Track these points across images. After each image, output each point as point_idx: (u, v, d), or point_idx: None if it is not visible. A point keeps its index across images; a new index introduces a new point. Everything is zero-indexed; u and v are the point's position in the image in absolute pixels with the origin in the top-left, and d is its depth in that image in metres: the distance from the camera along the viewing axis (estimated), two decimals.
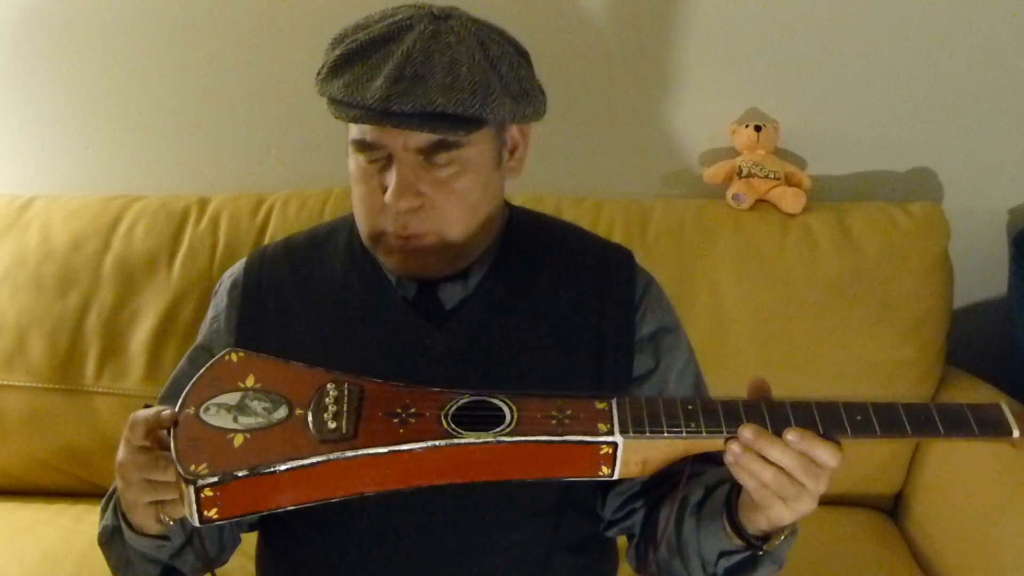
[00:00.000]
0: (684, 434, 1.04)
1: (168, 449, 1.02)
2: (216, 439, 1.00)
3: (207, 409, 1.04)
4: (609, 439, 1.03)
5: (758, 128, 2.08)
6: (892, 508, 2.04)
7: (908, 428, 1.07)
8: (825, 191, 2.15)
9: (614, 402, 1.06)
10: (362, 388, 1.07)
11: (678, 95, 2.14)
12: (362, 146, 1.20)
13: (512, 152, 1.29)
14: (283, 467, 0.97)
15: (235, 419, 1.03)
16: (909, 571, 1.83)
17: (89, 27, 2.14)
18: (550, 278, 1.32)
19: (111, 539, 1.26)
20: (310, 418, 1.03)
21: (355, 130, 1.20)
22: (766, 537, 1.13)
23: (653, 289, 1.36)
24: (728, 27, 2.09)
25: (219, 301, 1.38)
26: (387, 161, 1.19)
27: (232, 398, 1.05)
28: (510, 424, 1.04)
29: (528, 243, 1.35)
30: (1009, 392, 1.96)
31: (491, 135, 1.23)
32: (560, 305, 1.31)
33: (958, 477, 1.87)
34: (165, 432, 1.05)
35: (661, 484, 1.28)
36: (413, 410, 1.04)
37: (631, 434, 1.03)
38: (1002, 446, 1.80)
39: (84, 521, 1.93)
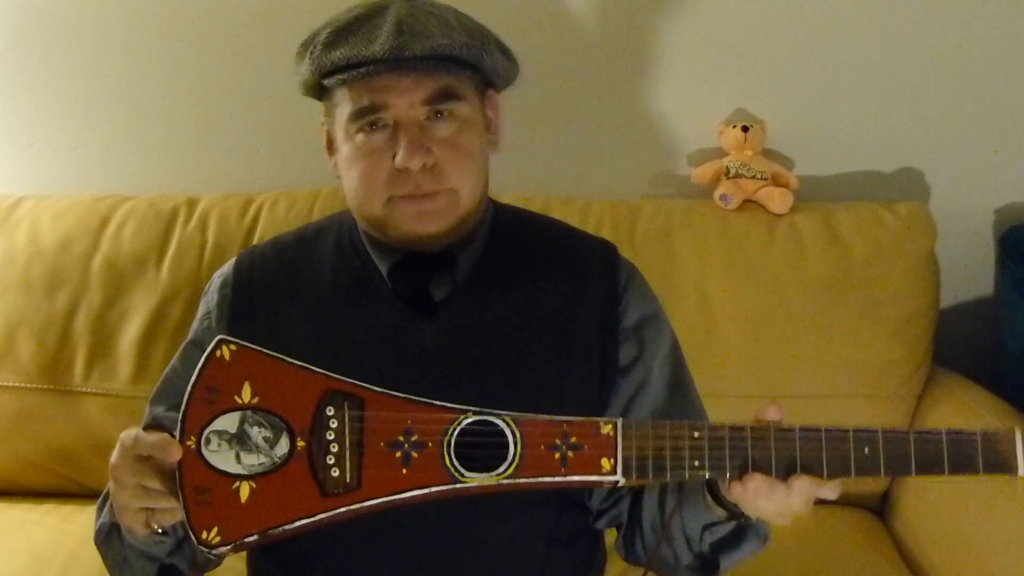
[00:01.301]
0: (687, 475, 1.05)
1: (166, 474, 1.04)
2: (223, 492, 1.02)
3: (208, 441, 1.04)
4: (611, 478, 1.04)
5: (745, 129, 2.09)
6: (879, 507, 2.04)
7: (913, 469, 1.07)
8: (812, 191, 2.16)
9: (619, 428, 1.06)
10: (362, 409, 1.07)
11: (666, 96, 2.14)
12: (364, 112, 1.22)
13: (489, 126, 1.33)
14: (291, 526, 1.00)
15: (238, 458, 1.03)
16: (896, 570, 1.83)
17: (78, 27, 2.14)
18: (536, 271, 1.34)
19: (108, 537, 1.27)
20: (312, 459, 1.04)
21: (355, 100, 1.22)
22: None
23: (636, 279, 1.38)
24: (716, 28, 2.09)
25: (209, 299, 1.38)
26: (391, 129, 1.22)
27: (231, 423, 1.05)
28: (512, 462, 1.04)
29: (513, 237, 1.37)
30: (996, 391, 1.97)
31: (478, 99, 1.28)
32: (546, 297, 1.32)
33: (945, 476, 1.88)
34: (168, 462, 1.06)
35: None
36: (415, 438, 1.05)
37: (634, 477, 1.04)
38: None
39: (73, 521, 1.93)
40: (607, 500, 1.36)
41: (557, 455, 1.04)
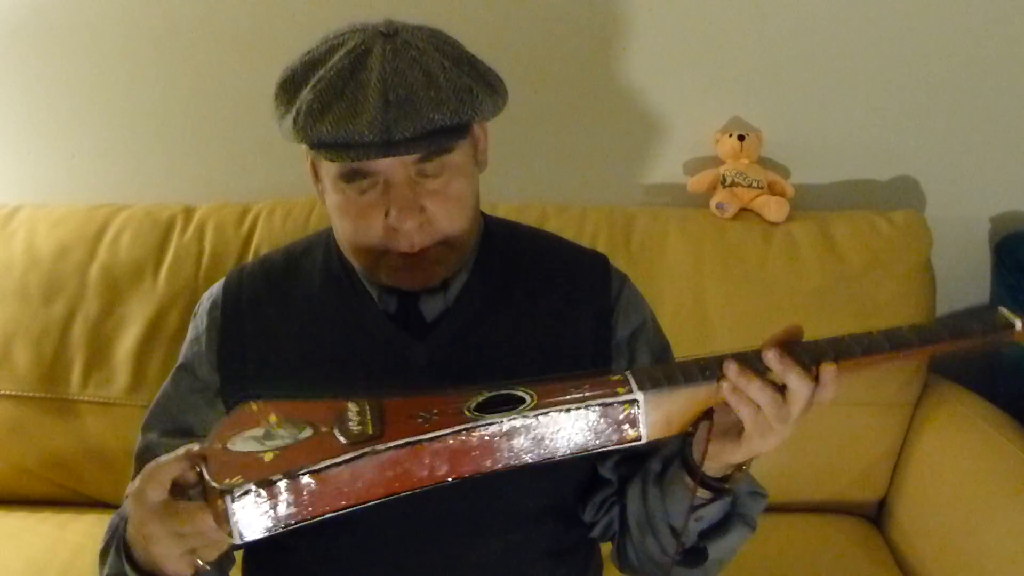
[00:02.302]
0: (701, 380, 1.05)
1: (185, 496, 1.01)
2: (246, 458, 1.00)
3: (234, 443, 1.03)
4: (629, 397, 1.03)
5: (741, 137, 2.09)
6: (875, 515, 2.04)
7: (915, 341, 1.09)
8: (808, 200, 2.16)
9: (627, 372, 1.07)
10: (381, 401, 1.07)
11: (662, 105, 2.15)
12: (353, 176, 1.19)
13: (477, 146, 1.29)
14: (316, 467, 0.96)
15: (262, 443, 1.02)
16: None
17: (74, 35, 2.14)
18: (527, 286, 1.33)
19: None
20: (336, 431, 1.03)
21: (341, 165, 1.19)
22: (725, 479, 1.16)
23: (627, 290, 1.37)
24: (711, 37, 2.10)
25: (199, 323, 1.37)
26: (381, 186, 1.19)
27: (257, 431, 1.04)
28: (531, 404, 1.04)
29: (504, 252, 1.36)
30: (992, 400, 1.97)
31: (467, 139, 1.23)
32: (537, 313, 1.32)
33: (941, 484, 1.88)
34: (189, 473, 1.02)
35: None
36: (435, 411, 1.04)
37: (650, 389, 1.04)
38: (985, 454, 1.82)
39: (68, 529, 1.93)
40: (600, 509, 1.36)
41: (575, 393, 1.05)
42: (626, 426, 1.04)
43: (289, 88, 1.21)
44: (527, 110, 1.97)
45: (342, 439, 1.00)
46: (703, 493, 1.16)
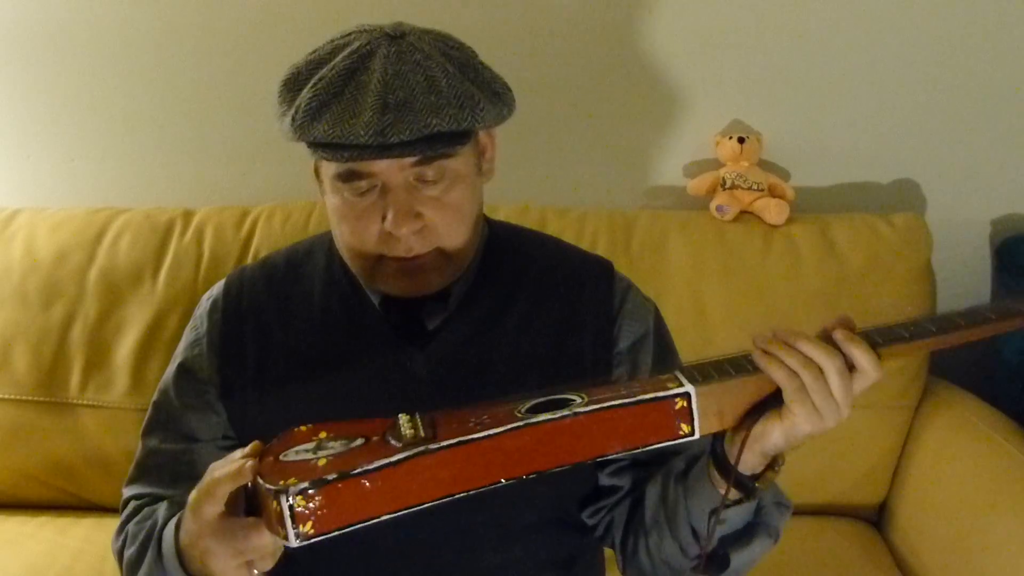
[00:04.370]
0: (751, 371, 1.05)
1: (238, 512, 1.02)
2: (299, 464, 0.99)
3: (286, 455, 1.02)
4: (681, 391, 1.03)
5: (742, 140, 2.09)
6: (876, 518, 2.04)
7: (962, 324, 1.08)
8: (808, 203, 2.16)
9: (675, 371, 1.07)
10: (432, 412, 1.05)
11: (662, 107, 2.15)
12: (350, 177, 1.18)
13: (483, 154, 1.28)
14: (371, 467, 0.95)
15: (315, 453, 1.01)
16: None
17: (73, 39, 2.14)
18: (529, 294, 1.32)
19: None
20: (388, 436, 1.02)
21: (339, 166, 1.18)
22: (755, 479, 1.13)
23: (630, 299, 1.36)
24: (712, 40, 2.10)
25: (199, 324, 1.36)
26: (378, 190, 1.18)
27: (308, 445, 1.03)
28: (582, 403, 1.03)
29: (507, 259, 1.35)
30: (992, 402, 1.97)
31: (472, 144, 1.22)
32: (539, 321, 1.30)
33: (942, 487, 1.88)
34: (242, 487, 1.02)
35: (644, 481, 1.29)
36: (486, 416, 1.03)
37: (700, 382, 1.04)
38: (985, 456, 1.81)
39: (68, 534, 1.93)
40: (598, 514, 1.35)
41: (624, 391, 1.04)
42: (679, 420, 1.04)
43: (292, 87, 1.20)
44: (528, 112, 1.95)
45: (395, 443, 1.00)
46: (733, 494, 1.13)
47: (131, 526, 1.26)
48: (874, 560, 1.90)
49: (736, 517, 1.17)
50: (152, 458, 1.33)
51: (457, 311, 1.29)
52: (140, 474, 1.34)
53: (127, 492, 1.34)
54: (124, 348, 1.99)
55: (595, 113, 2.16)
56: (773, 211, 2.05)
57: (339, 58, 1.17)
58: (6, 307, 2.01)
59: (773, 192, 2.11)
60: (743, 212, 2.09)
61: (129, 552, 1.24)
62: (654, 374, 1.10)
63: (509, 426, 1.00)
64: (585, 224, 2.05)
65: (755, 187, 2.08)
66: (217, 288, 1.38)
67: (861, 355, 1.03)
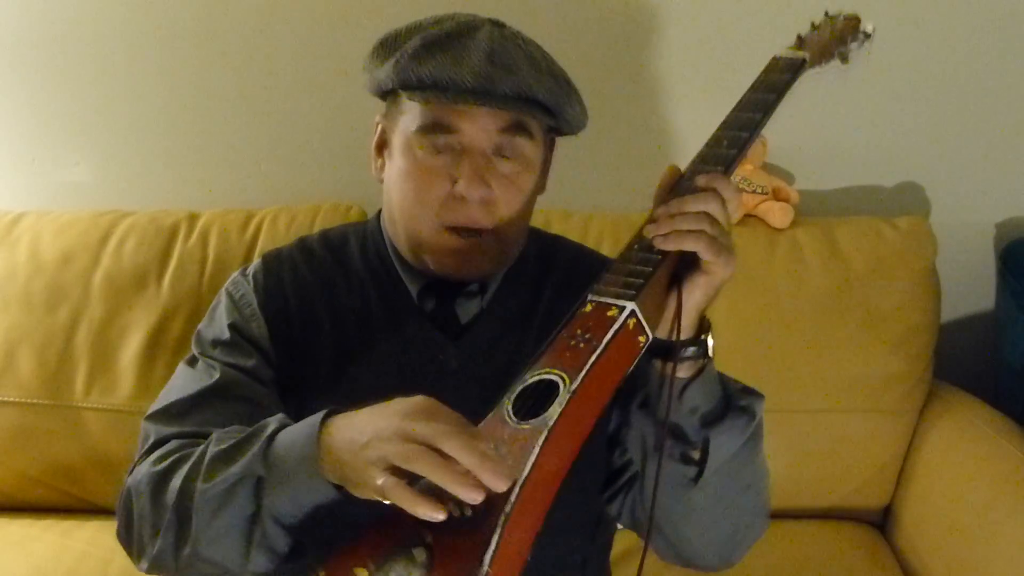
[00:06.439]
0: (660, 257, 1.09)
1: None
2: None
3: None
4: (627, 312, 1.06)
5: None
6: (881, 522, 2.04)
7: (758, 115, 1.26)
8: (813, 206, 2.16)
9: (599, 295, 1.10)
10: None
11: (666, 109, 2.15)
12: (434, 128, 1.20)
13: (545, 169, 1.33)
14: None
15: None
16: None
17: (79, 42, 2.15)
18: (554, 293, 1.35)
19: (235, 488, 1.07)
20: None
21: (427, 115, 1.20)
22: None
23: None
24: (715, 42, 2.10)
25: (236, 289, 1.33)
26: (455, 153, 1.21)
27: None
28: (566, 381, 1.04)
29: (532, 260, 1.38)
30: (996, 405, 1.97)
31: (543, 142, 1.28)
32: (562, 319, 1.31)
33: (947, 490, 1.88)
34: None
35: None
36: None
37: (635, 295, 1.07)
38: (990, 459, 1.81)
39: (73, 536, 1.93)
40: (616, 497, 1.33)
41: (581, 345, 1.07)
42: (636, 336, 1.08)
43: (390, 44, 1.23)
44: None
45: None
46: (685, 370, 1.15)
47: (217, 433, 1.13)
48: (879, 564, 1.90)
49: (703, 400, 1.18)
50: (206, 399, 1.24)
51: (488, 307, 1.32)
52: (186, 412, 1.23)
53: (164, 431, 1.22)
54: (129, 351, 1.99)
55: (599, 116, 2.14)
56: (777, 214, 2.05)
57: (445, 25, 1.22)
58: (11, 310, 2.01)
59: (777, 195, 2.11)
60: (747, 215, 2.09)
61: (215, 449, 1.10)
62: (575, 311, 1.11)
63: (529, 464, 0.99)
64: (589, 227, 2.05)
65: (759, 190, 2.08)
66: (253, 265, 1.37)
67: (726, 185, 1.10)
